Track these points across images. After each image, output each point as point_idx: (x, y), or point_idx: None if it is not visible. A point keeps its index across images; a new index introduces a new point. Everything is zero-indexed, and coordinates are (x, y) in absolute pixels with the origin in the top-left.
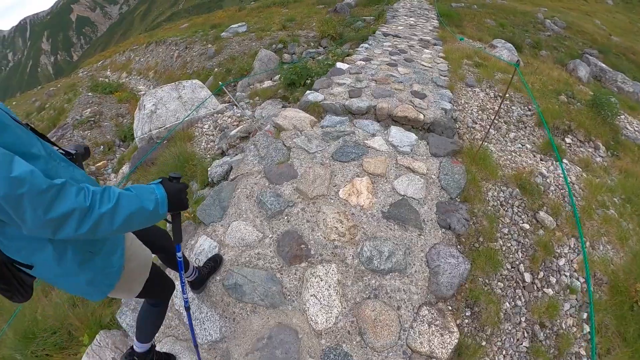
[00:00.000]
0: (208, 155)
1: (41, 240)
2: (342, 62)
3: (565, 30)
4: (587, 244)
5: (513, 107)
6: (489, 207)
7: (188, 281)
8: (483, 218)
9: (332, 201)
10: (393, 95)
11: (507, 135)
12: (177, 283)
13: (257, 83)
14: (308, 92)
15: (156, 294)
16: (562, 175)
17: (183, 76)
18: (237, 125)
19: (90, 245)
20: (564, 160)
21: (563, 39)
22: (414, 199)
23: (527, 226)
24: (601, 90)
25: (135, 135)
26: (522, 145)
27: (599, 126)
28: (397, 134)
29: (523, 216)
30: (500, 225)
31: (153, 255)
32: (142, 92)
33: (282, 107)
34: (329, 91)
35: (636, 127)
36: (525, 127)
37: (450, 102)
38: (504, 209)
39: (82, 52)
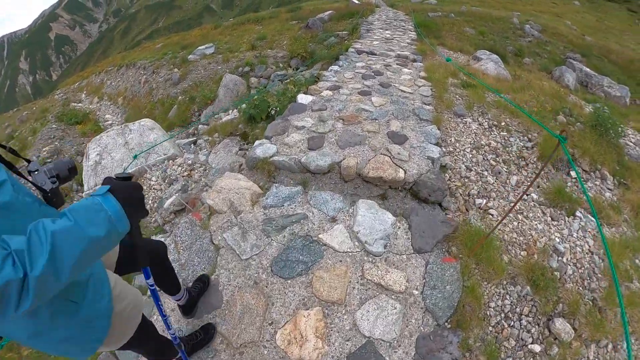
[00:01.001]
0: (151, 224)
1: None
2: (307, 92)
3: (541, 33)
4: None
5: (511, 139)
6: (489, 330)
7: (179, 305)
8: (480, 353)
9: (265, 353)
10: (364, 141)
11: (507, 182)
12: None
13: (222, 112)
14: (257, 143)
15: (152, 349)
16: (578, 244)
17: (149, 104)
18: (189, 176)
19: (71, 293)
20: (578, 213)
21: (544, 44)
22: (384, 341)
23: (537, 348)
24: (599, 108)
25: (84, 188)
26: (528, 196)
27: (604, 151)
28: (366, 216)
29: (533, 330)
30: (503, 355)
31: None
32: (109, 122)
33: (239, 149)
34: (283, 140)
35: (636, 141)
36: (527, 165)
37: (437, 144)
38: (508, 326)
39: (62, 72)
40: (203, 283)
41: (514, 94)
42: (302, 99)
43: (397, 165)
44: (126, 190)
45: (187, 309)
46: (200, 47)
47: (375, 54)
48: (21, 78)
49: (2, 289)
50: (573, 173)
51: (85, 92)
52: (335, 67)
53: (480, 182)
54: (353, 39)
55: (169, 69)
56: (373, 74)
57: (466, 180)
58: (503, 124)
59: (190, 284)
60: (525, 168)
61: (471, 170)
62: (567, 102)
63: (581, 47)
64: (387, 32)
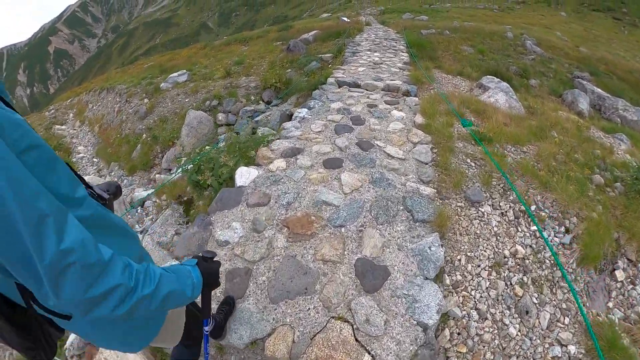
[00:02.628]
0: None
1: None
2: (255, 161)
3: (539, 46)
4: None
5: (544, 234)
6: None
7: (206, 332)
8: None
9: None
10: (314, 286)
11: (537, 325)
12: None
13: (185, 158)
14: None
15: (194, 335)
16: None
17: (117, 139)
18: None
19: None
20: None
21: (548, 61)
22: None
23: None
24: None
25: None
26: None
27: None
28: None
29: None
30: None
31: None
32: (80, 156)
33: (175, 232)
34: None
35: None
36: (562, 290)
37: (437, 277)
38: None
39: (59, 85)
40: (229, 305)
41: (537, 142)
42: (243, 176)
43: (361, 347)
44: (209, 268)
45: (216, 333)
46: (173, 75)
47: (359, 86)
48: (19, 90)
49: (113, 290)
50: (619, 272)
51: (74, 111)
52: (302, 112)
53: (497, 340)
54: (336, 65)
55: (140, 98)
56: (351, 122)
57: (477, 341)
58: (533, 207)
59: (216, 308)
60: (561, 285)
61: (486, 318)
62: (593, 142)
63: (578, 60)
64: (375, 54)
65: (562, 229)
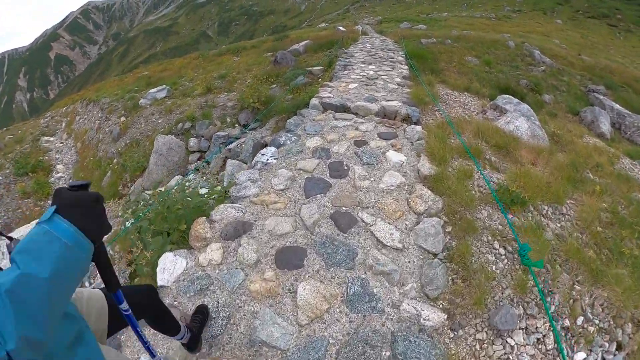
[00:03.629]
0: None
1: None
2: (188, 241)
3: (544, 54)
4: None
5: None
6: None
7: (182, 344)
8: None
9: None
10: None
11: None
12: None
13: (153, 190)
14: None
15: (141, 311)
16: None
17: (91, 162)
18: None
19: None
20: None
21: (559, 73)
22: None
23: None
24: None
25: None
26: None
27: None
28: None
29: None
30: None
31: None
32: (59, 175)
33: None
34: None
35: None
36: None
37: None
38: None
39: (59, 91)
40: (202, 314)
41: (576, 193)
42: (166, 270)
43: None
44: (79, 204)
45: (191, 346)
46: (152, 90)
47: (348, 110)
48: (19, 95)
49: None
50: None
51: (67, 120)
52: (267, 154)
53: None
54: (325, 79)
55: (119, 114)
56: (329, 173)
57: None
58: (580, 319)
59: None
60: None
61: None
62: (631, 180)
63: (583, 69)
64: (370, 67)
65: (614, 345)
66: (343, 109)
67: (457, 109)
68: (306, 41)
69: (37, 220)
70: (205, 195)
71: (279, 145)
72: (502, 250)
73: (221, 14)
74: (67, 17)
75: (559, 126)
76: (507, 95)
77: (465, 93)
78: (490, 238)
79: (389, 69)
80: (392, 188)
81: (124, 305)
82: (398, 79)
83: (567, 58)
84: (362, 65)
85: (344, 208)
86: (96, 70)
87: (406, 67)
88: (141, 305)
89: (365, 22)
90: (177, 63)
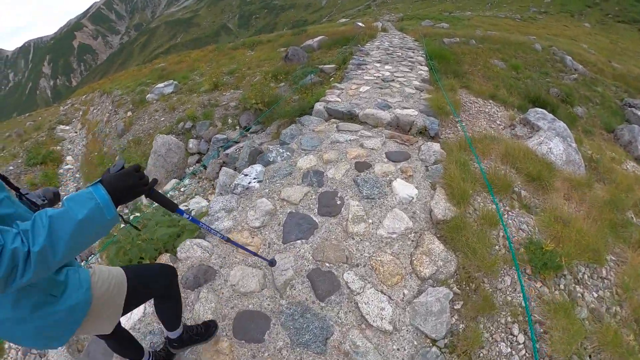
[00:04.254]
0: None
1: None
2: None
3: (579, 63)
4: None
5: None
6: None
7: (166, 337)
8: None
9: None
10: None
11: None
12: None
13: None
14: None
15: (151, 294)
16: None
17: (97, 157)
18: None
19: (52, 288)
20: None
21: (592, 82)
22: None
23: None
24: None
25: None
26: None
27: None
28: None
29: None
30: None
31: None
32: (67, 167)
33: None
34: None
35: None
36: None
37: None
38: None
39: (81, 79)
40: (208, 330)
41: (617, 246)
42: None
43: None
44: (116, 180)
45: (172, 344)
46: (159, 85)
47: (356, 118)
48: (43, 82)
49: (11, 257)
50: None
51: (86, 106)
52: (251, 174)
53: None
54: (336, 79)
55: (126, 109)
56: (317, 208)
57: None
58: None
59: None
60: None
61: None
62: None
63: (615, 77)
64: (387, 67)
65: None
66: (350, 116)
67: (481, 121)
68: (320, 37)
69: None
70: (179, 223)
71: (268, 162)
72: (521, 337)
73: (242, 7)
74: (90, 7)
75: (596, 148)
76: (541, 110)
77: (491, 101)
78: (509, 319)
79: (407, 70)
80: (394, 236)
81: (186, 215)
82: (416, 82)
83: (597, 64)
84: (378, 64)
85: (327, 264)
86: (118, 59)
87: (426, 68)
88: (149, 288)
89: (385, 19)
90: (194, 55)
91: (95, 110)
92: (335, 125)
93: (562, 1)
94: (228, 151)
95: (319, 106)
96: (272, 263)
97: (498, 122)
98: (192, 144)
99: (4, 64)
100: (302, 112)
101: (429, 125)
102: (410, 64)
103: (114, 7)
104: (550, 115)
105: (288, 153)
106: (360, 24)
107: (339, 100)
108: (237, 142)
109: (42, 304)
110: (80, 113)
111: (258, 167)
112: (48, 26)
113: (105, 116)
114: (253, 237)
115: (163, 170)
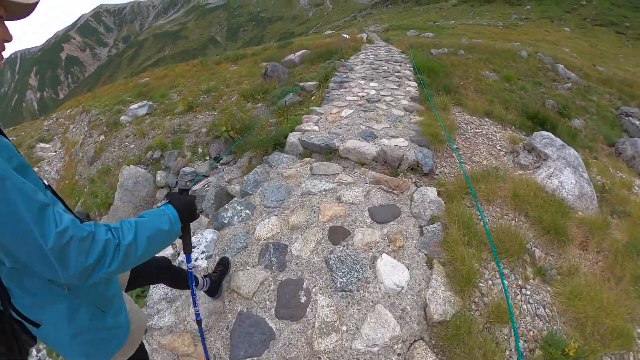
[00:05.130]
0: None
1: (57, 295)
2: None
3: (556, 63)
4: None
5: None
6: None
7: (205, 291)
8: None
9: None
10: None
11: None
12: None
13: None
14: None
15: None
16: None
17: (67, 186)
18: None
19: (101, 303)
20: None
21: (586, 91)
22: None
23: None
24: None
25: None
26: None
27: None
28: None
29: None
30: None
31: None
32: None
33: None
34: None
35: None
36: None
37: None
38: None
39: (69, 91)
40: (224, 266)
41: None
42: None
43: None
44: (182, 201)
45: (212, 292)
46: (133, 106)
47: (336, 152)
48: (29, 94)
49: (104, 246)
50: None
51: (67, 124)
52: (199, 248)
53: None
54: (317, 100)
55: (100, 131)
56: (275, 307)
57: None
58: None
59: (212, 268)
60: None
61: None
62: None
63: (600, 82)
64: (372, 84)
65: None
66: (328, 150)
67: (480, 147)
68: (302, 51)
69: (159, 204)
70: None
71: (222, 224)
72: None
73: (230, 20)
74: (79, 19)
75: (603, 170)
76: (547, 134)
77: (487, 119)
78: None
79: (394, 86)
80: (375, 351)
81: (190, 265)
82: (405, 101)
83: (583, 69)
84: (362, 81)
85: None
86: (105, 71)
87: (415, 83)
88: (156, 272)
89: (371, 30)
90: (178, 69)
91: (74, 129)
92: (309, 167)
93: (542, 7)
94: (196, 187)
95: (293, 138)
96: None
97: (498, 146)
98: (160, 176)
99: None
100: (276, 141)
101: (422, 160)
102: (397, 79)
103: (102, 19)
104: (559, 141)
105: (247, 212)
106: (345, 35)
107: (316, 129)
108: (206, 176)
109: (95, 315)
110: (62, 128)
111: (209, 235)
112: (35, 37)
113: (81, 137)
114: (196, 346)
115: (131, 205)
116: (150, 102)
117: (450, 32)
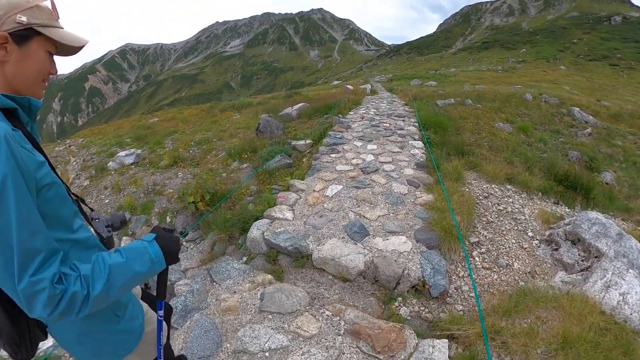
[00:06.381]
0: None
1: None
2: None
3: (561, 105)
4: None
5: None
6: None
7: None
8: None
9: None
10: None
11: None
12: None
13: None
14: None
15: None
16: None
17: None
18: None
19: (116, 308)
20: None
21: (608, 135)
22: None
23: None
24: None
25: None
26: None
27: None
28: None
29: None
30: None
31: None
32: None
33: None
34: None
35: None
36: None
37: None
38: None
39: (87, 119)
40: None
41: None
42: None
43: None
44: (168, 241)
45: None
46: (121, 153)
47: (308, 259)
48: (51, 116)
49: (72, 298)
50: None
51: (76, 151)
52: None
53: None
54: (304, 167)
55: (88, 175)
56: None
57: None
58: None
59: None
60: None
61: None
62: None
63: (612, 118)
64: (370, 146)
65: None
66: (299, 255)
67: (507, 236)
68: (300, 104)
69: (142, 237)
70: None
71: None
72: None
73: (244, 68)
74: (106, 54)
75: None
76: (595, 216)
77: (509, 187)
78: None
79: (397, 148)
80: None
81: (160, 313)
82: (409, 170)
83: (590, 107)
84: (359, 143)
85: None
86: (124, 106)
87: (420, 143)
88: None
89: (376, 80)
90: (186, 113)
91: (74, 163)
92: (259, 294)
93: (537, 49)
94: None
95: (255, 231)
96: None
97: (530, 232)
98: (124, 243)
99: None
100: (243, 224)
101: (430, 277)
102: (400, 138)
103: (127, 56)
104: (615, 228)
105: None
106: (349, 87)
107: (290, 216)
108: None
109: (108, 320)
110: (69, 159)
111: None
112: (65, 65)
113: (72, 176)
114: None
115: None
116: (139, 151)
117: (453, 80)
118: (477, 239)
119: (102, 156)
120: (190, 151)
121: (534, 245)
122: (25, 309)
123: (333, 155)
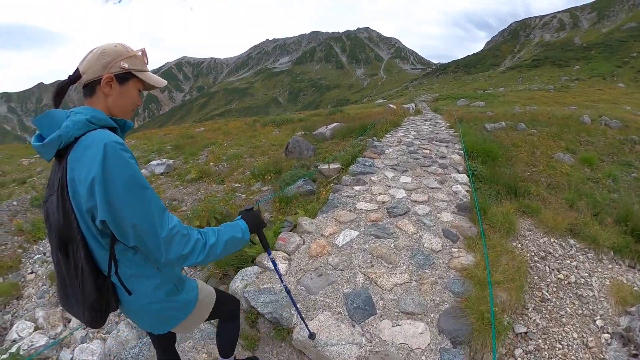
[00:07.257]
0: None
1: (150, 271)
2: None
3: (624, 128)
4: None
5: None
6: None
7: (271, 258)
8: None
9: None
10: None
11: None
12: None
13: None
14: None
15: (224, 312)
16: None
17: None
18: None
19: (178, 283)
20: None
21: None
22: None
23: None
24: None
25: None
26: None
27: None
28: None
29: None
30: None
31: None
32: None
33: None
34: None
35: None
36: None
37: None
38: None
39: (143, 123)
40: None
41: None
42: None
43: None
44: (250, 215)
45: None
46: (153, 162)
47: (289, 335)
48: None
49: (196, 242)
50: None
51: None
52: None
53: None
54: (317, 204)
55: None
56: None
57: None
58: None
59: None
60: None
61: None
62: None
63: None
64: (404, 178)
65: None
66: (278, 327)
67: (566, 321)
68: (335, 124)
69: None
70: None
71: None
72: None
73: (292, 84)
74: (164, 65)
75: None
76: None
77: (572, 242)
78: None
79: (435, 183)
80: None
81: (270, 255)
82: (447, 215)
83: None
84: (391, 173)
85: None
86: (177, 113)
87: (465, 177)
88: (224, 306)
89: (421, 99)
90: (231, 125)
91: None
92: None
93: (591, 66)
94: None
95: (238, 283)
96: (312, 336)
97: (598, 320)
98: None
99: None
100: (240, 263)
101: None
102: (441, 169)
103: (183, 68)
104: None
105: None
106: (392, 106)
107: (283, 269)
108: None
109: (171, 292)
110: None
111: None
112: None
113: None
114: None
115: None
116: (170, 162)
117: (502, 100)
118: (526, 329)
119: (139, 162)
120: (220, 166)
121: (603, 342)
122: (163, 253)
123: (357, 188)
